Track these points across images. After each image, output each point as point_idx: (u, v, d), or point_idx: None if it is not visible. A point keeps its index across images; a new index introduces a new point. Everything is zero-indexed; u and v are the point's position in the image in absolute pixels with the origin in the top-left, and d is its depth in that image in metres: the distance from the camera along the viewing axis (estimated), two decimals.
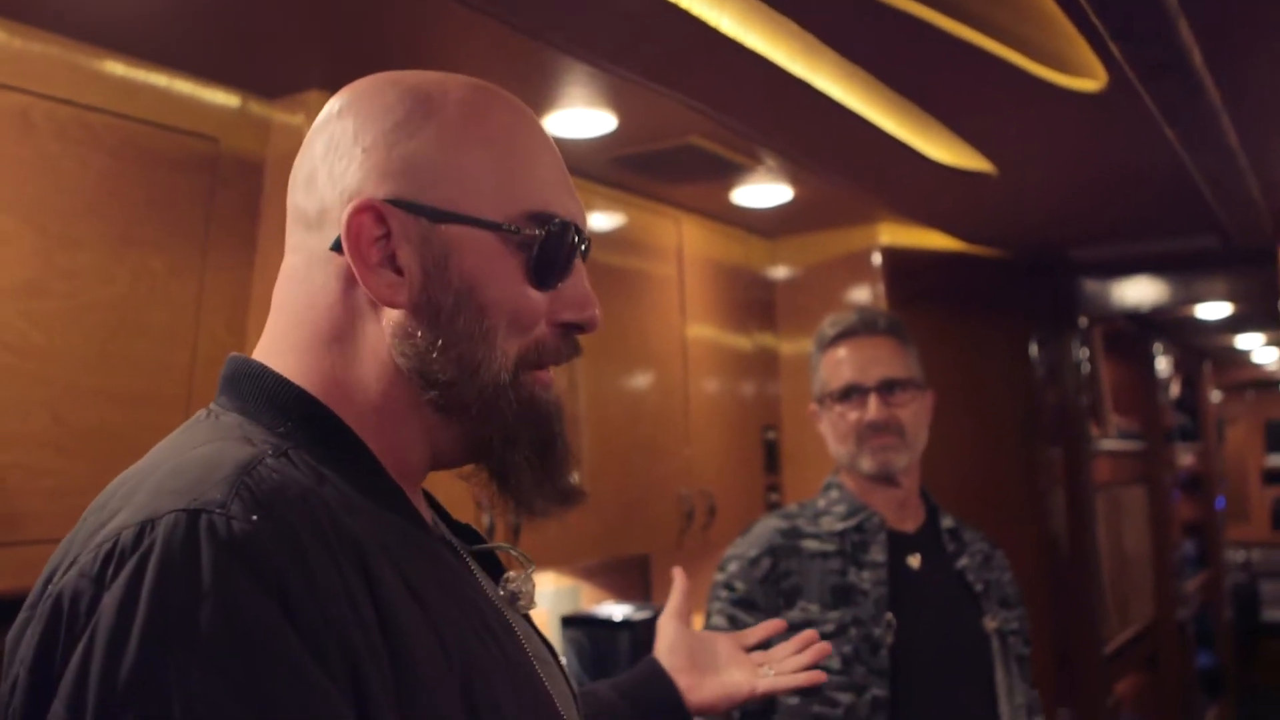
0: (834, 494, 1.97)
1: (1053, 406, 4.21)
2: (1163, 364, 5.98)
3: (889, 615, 1.83)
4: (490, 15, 1.82)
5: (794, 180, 2.95)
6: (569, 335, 0.90)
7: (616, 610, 3.01)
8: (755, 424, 3.41)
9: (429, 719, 0.73)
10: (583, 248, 0.90)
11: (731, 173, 2.83)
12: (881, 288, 3.42)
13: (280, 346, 0.86)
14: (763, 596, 1.86)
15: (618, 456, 2.78)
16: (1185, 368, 7.04)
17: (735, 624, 1.84)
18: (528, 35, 1.92)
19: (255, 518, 0.69)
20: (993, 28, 2.11)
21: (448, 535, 0.92)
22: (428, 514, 0.93)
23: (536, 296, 0.86)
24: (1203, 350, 7.30)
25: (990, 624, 1.90)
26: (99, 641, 0.65)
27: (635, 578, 3.48)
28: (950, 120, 2.60)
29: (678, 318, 3.09)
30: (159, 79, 1.93)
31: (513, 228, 0.84)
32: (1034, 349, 4.12)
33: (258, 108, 2.08)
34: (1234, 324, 5.91)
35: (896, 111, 2.53)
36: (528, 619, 0.99)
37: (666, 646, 1.29)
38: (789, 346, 3.54)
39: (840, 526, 1.91)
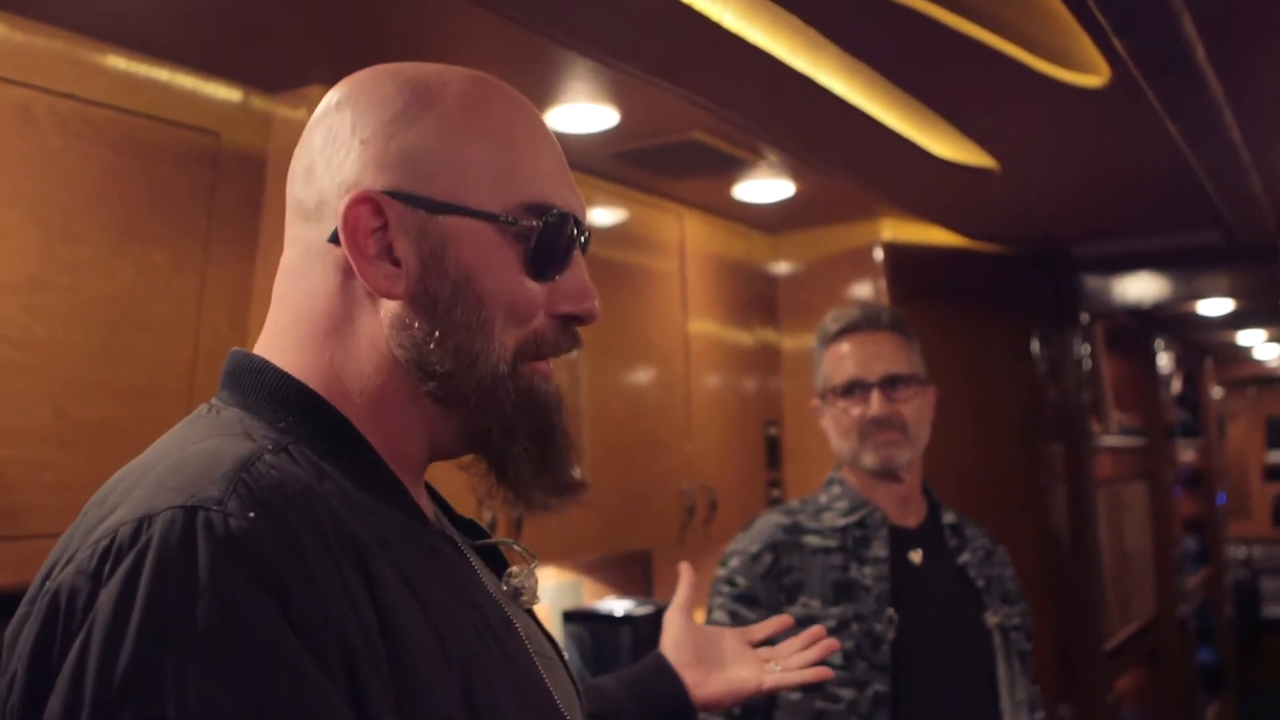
0: (836, 489, 1.97)
1: (1054, 402, 4.21)
2: (1164, 360, 5.98)
3: (891, 611, 1.83)
4: (492, 10, 1.82)
5: (796, 176, 2.95)
6: (568, 327, 0.89)
7: (618, 605, 3.01)
8: (757, 419, 3.41)
9: (428, 716, 0.73)
10: (582, 239, 0.90)
11: (734, 168, 2.83)
12: (883, 283, 3.41)
13: (281, 341, 0.86)
14: (764, 592, 1.86)
15: (619, 451, 2.78)
16: (1186, 364, 7.04)
17: (737, 619, 1.84)
18: (530, 30, 1.92)
19: (253, 515, 0.69)
20: (996, 23, 2.11)
21: (450, 530, 0.92)
22: (430, 509, 0.92)
23: (534, 288, 0.86)
24: (1204, 346, 7.30)
25: (992, 619, 1.90)
26: (95, 638, 0.65)
27: (637, 573, 3.48)
28: (953, 116, 2.60)
29: (680, 313, 3.09)
30: (161, 73, 1.93)
31: (510, 219, 0.84)
32: (1036, 345, 4.12)
33: (260, 102, 2.08)
34: (1235, 320, 5.90)
35: (899, 107, 2.52)
36: (531, 614, 0.99)
37: (672, 641, 1.29)
38: (791, 342, 3.54)
39: (842, 522, 1.91)
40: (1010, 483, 3.92)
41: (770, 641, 1.34)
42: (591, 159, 2.69)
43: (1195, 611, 6.28)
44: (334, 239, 0.83)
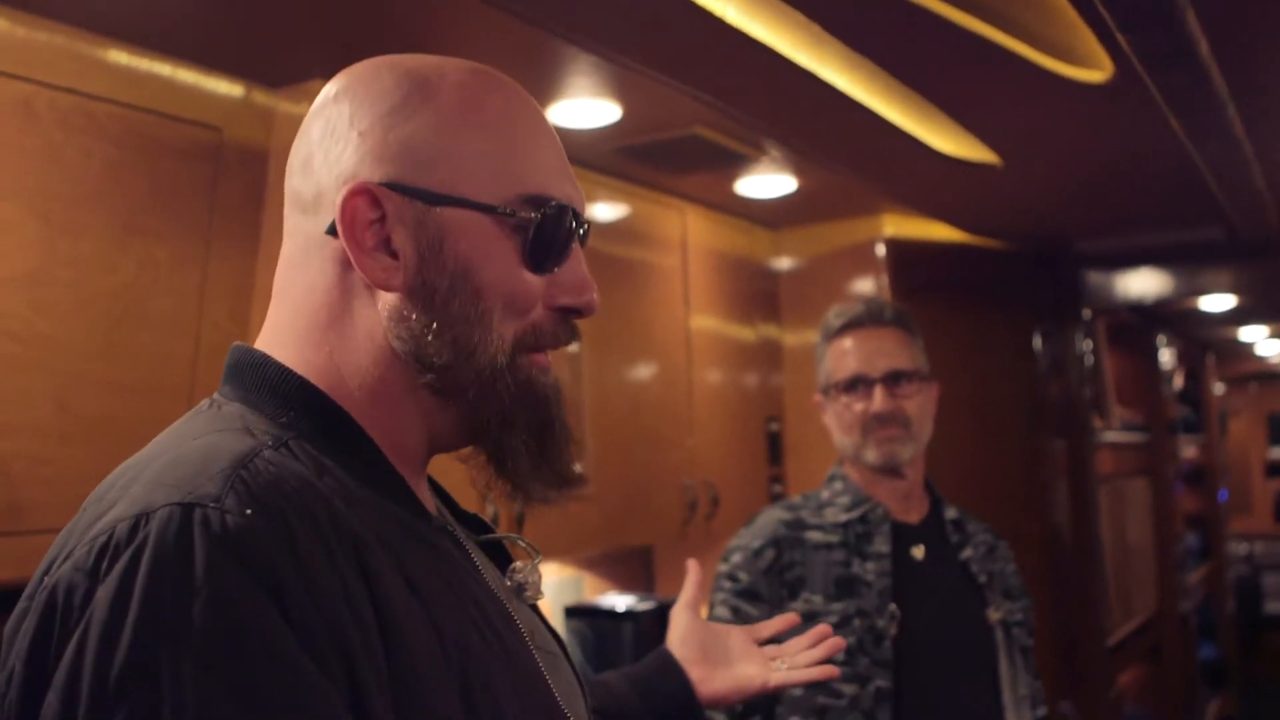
0: (838, 485, 1.97)
1: (1056, 398, 4.21)
2: (1166, 356, 5.98)
3: (893, 606, 1.83)
4: (495, 4, 1.82)
5: (798, 171, 2.95)
6: (566, 319, 0.89)
7: (620, 601, 3.01)
8: (759, 415, 3.41)
9: (426, 713, 0.73)
10: (580, 232, 0.89)
11: (736, 163, 2.82)
12: (885, 279, 3.41)
13: (282, 335, 0.86)
14: (766, 587, 1.86)
15: (621, 447, 2.78)
16: (1188, 360, 7.03)
17: (739, 615, 1.84)
18: (532, 24, 1.92)
19: (249, 512, 0.69)
20: (998, 18, 2.10)
21: (451, 525, 0.91)
22: (432, 503, 0.92)
23: (532, 280, 0.86)
24: (1206, 342, 7.29)
25: (994, 615, 1.90)
26: (92, 636, 0.65)
27: (638, 568, 3.48)
28: (955, 112, 2.59)
29: (681, 308, 3.09)
30: (162, 68, 1.92)
31: (508, 210, 0.84)
32: (1037, 341, 4.11)
33: (261, 97, 2.08)
34: (1238, 316, 5.89)
35: (901, 102, 2.52)
36: (535, 610, 0.98)
37: (679, 638, 1.29)
38: (792, 338, 3.54)
39: (844, 518, 1.91)
40: (1012, 478, 3.92)
41: (777, 639, 1.33)
42: (593, 154, 2.68)
43: (1197, 608, 6.28)
44: (332, 231, 0.83)
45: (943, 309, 3.57)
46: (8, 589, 0.74)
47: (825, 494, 1.97)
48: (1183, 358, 6.76)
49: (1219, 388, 8.21)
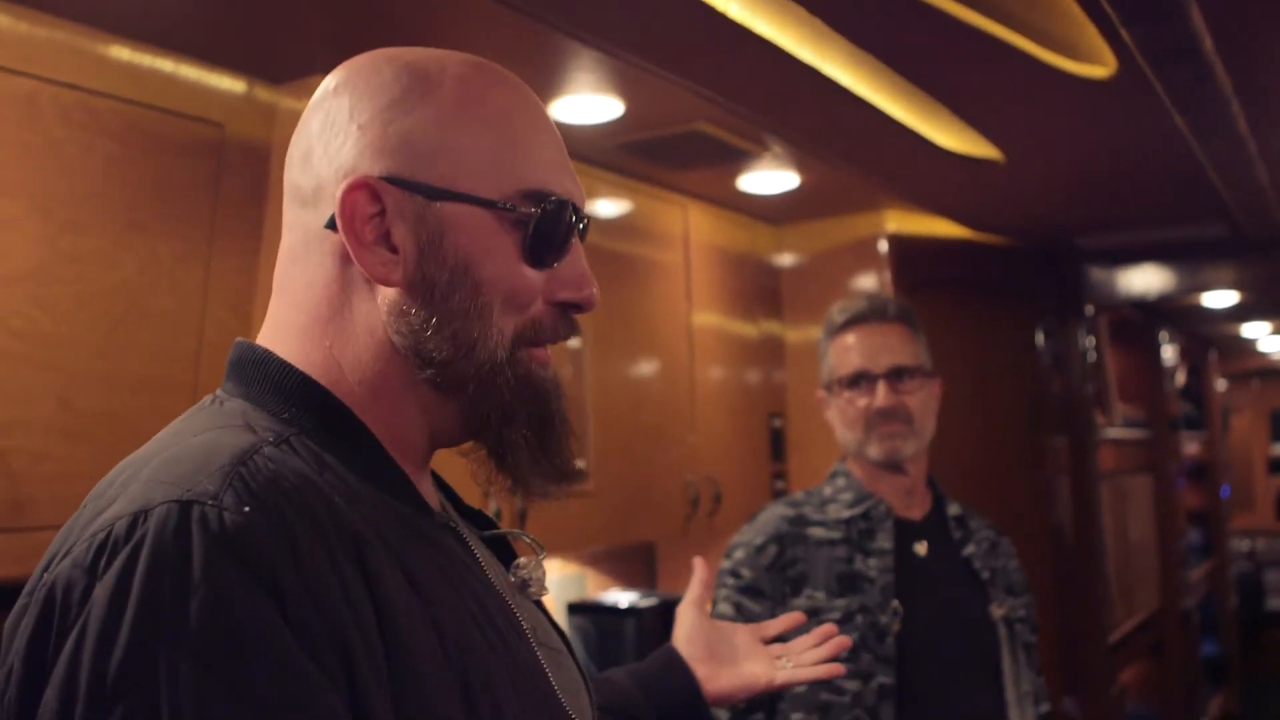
0: (841, 481, 1.97)
1: (1058, 395, 4.21)
2: (1168, 352, 5.97)
3: (895, 603, 1.83)
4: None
5: (800, 167, 2.94)
6: (566, 314, 0.89)
7: (622, 597, 3.02)
8: (761, 411, 3.41)
9: (425, 712, 0.73)
10: (580, 226, 0.89)
11: (738, 159, 2.82)
12: (888, 275, 3.41)
13: (283, 330, 0.86)
14: (769, 584, 1.86)
15: (623, 443, 2.78)
16: (1190, 356, 7.03)
17: (741, 611, 1.84)
18: (535, 20, 1.91)
19: (247, 509, 0.69)
20: (1001, 14, 2.10)
21: (454, 521, 0.91)
22: (435, 499, 0.92)
23: (532, 275, 0.86)
24: (1208, 338, 7.29)
25: (997, 611, 1.90)
26: (90, 633, 0.65)
27: (641, 565, 3.48)
28: (958, 107, 2.59)
29: (683, 305, 3.08)
30: (165, 64, 1.92)
31: (508, 205, 0.84)
32: (1040, 337, 4.11)
33: (264, 93, 2.08)
34: (1240, 312, 5.89)
35: (904, 98, 2.52)
36: (540, 605, 0.98)
37: (684, 635, 1.29)
38: (795, 334, 3.54)
39: (847, 514, 1.91)
40: (1014, 475, 3.92)
41: (783, 638, 1.33)
42: (596, 150, 2.68)
43: (1199, 604, 6.28)
44: (331, 225, 0.83)
45: (945, 305, 3.57)
46: (10, 586, 0.73)
47: (828, 490, 1.97)
48: (1185, 354, 6.76)
49: (1221, 384, 8.21)
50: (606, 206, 2.84)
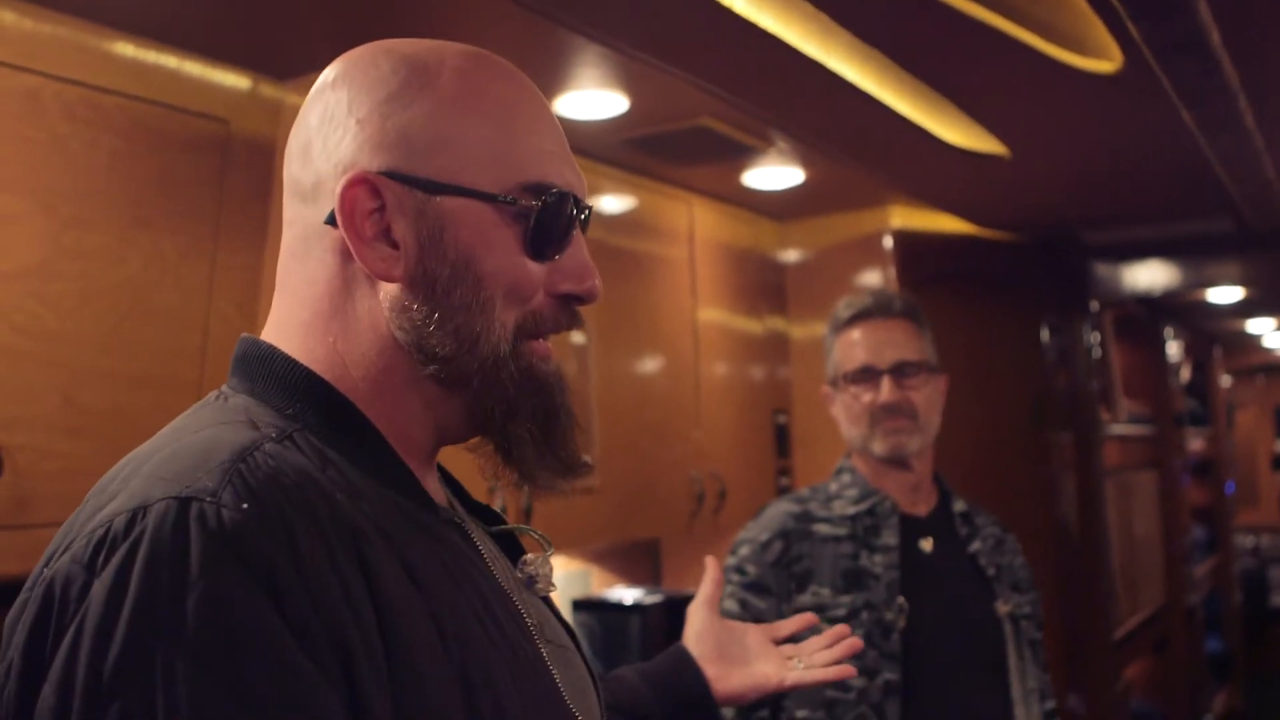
0: (846, 477, 1.96)
1: (1063, 390, 4.20)
2: (1173, 348, 5.96)
3: (901, 599, 1.83)
4: None
5: (805, 162, 2.94)
6: (568, 306, 0.88)
7: (627, 594, 3.02)
8: (766, 407, 3.40)
9: (424, 708, 0.72)
10: (582, 218, 0.88)
11: (743, 155, 2.81)
12: (893, 271, 3.40)
13: (287, 327, 0.86)
14: (774, 580, 1.86)
15: (628, 440, 2.78)
16: (1195, 352, 7.02)
17: (747, 608, 1.84)
18: (540, 15, 1.91)
19: (246, 506, 0.68)
20: (1007, 8, 2.09)
21: (460, 517, 0.91)
22: (441, 495, 0.92)
23: (534, 267, 0.85)
24: (1213, 335, 7.28)
25: (1003, 608, 1.90)
26: (87, 630, 0.65)
27: (645, 561, 3.48)
28: (963, 102, 2.58)
29: (688, 301, 3.08)
30: (170, 60, 1.92)
31: (509, 199, 0.83)
32: (1045, 333, 4.10)
33: (269, 89, 2.07)
34: (1245, 308, 5.88)
35: (909, 93, 2.51)
36: (548, 602, 0.98)
37: (695, 634, 1.28)
38: (800, 330, 3.53)
39: (852, 510, 1.91)
40: (1019, 471, 3.91)
41: (794, 638, 1.33)
42: (601, 146, 2.67)
43: (1203, 600, 6.28)
44: (331, 220, 0.82)
45: (950, 301, 3.56)
46: (13, 583, 0.73)
47: (833, 486, 1.97)
48: (1190, 350, 6.75)
49: (1226, 380, 8.20)
50: (611, 202, 2.83)
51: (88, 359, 1.76)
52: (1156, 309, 5.59)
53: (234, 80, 2.02)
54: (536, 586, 0.95)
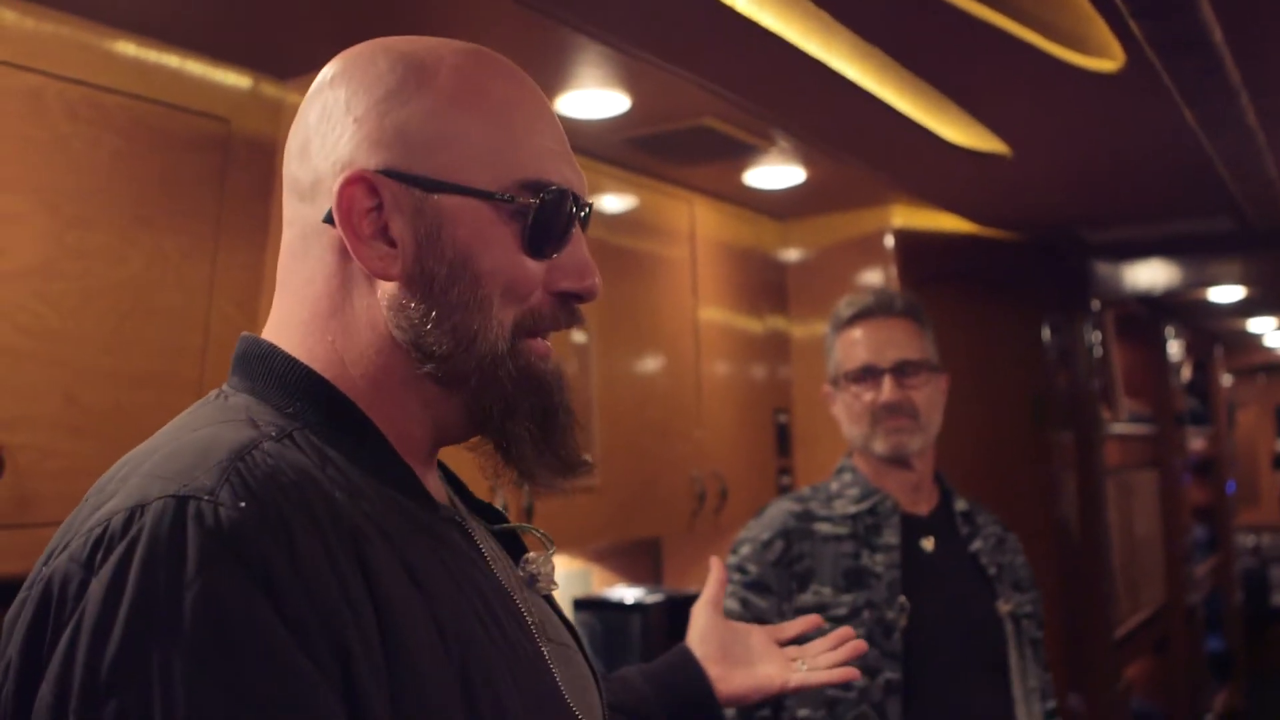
0: (847, 476, 1.96)
1: (1064, 390, 4.20)
2: (1174, 347, 5.96)
3: (902, 598, 1.83)
4: None
5: (807, 162, 2.94)
6: (568, 304, 0.88)
7: (628, 593, 3.01)
8: (767, 407, 3.40)
9: (423, 708, 0.72)
10: (581, 216, 0.88)
11: (744, 154, 2.81)
12: (894, 270, 3.40)
13: (287, 326, 0.86)
14: (775, 580, 1.86)
15: (629, 439, 2.78)
16: (1196, 351, 7.02)
17: (748, 607, 1.84)
18: (541, 14, 1.91)
19: (243, 505, 0.68)
20: (1009, 7, 2.09)
21: (461, 515, 0.90)
22: (442, 493, 0.92)
23: (532, 265, 0.85)
24: (1214, 334, 7.27)
25: (1004, 607, 1.90)
26: (85, 628, 0.65)
27: (646, 561, 3.48)
28: (965, 101, 2.58)
29: (690, 300, 3.08)
30: (171, 59, 1.92)
31: (506, 196, 0.83)
32: (1046, 332, 4.10)
33: (270, 88, 2.07)
34: (1246, 307, 5.88)
35: (911, 92, 2.51)
36: (550, 600, 0.98)
37: (698, 635, 1.28)
38: (801, 329, 3.53)
39: (853, 509, 1.91)
40: (1019, 470, 3.91)
41: (798, 640, 1.33)
42: (602, 145, 2.67)
43: (1204, 599, 6.28)
44: (329, 219, 0.82)
45: (951, 300, 3.56)
46: (15, 582, 0.73)
47: (834, 486, 1.97)
48: (1191, 349, 6.75)
49: (1227, 379, 8.20)
50: (612, 202, 2.83)
51: (89, 358, 1.76)
52: (1157, 308, 5.59)
53: (235, 79, 2.02)
54: (538, 585, 0.95)
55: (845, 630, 1.31)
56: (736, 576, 1.88)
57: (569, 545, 2.90)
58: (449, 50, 0.86)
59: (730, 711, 1.80)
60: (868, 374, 1.92)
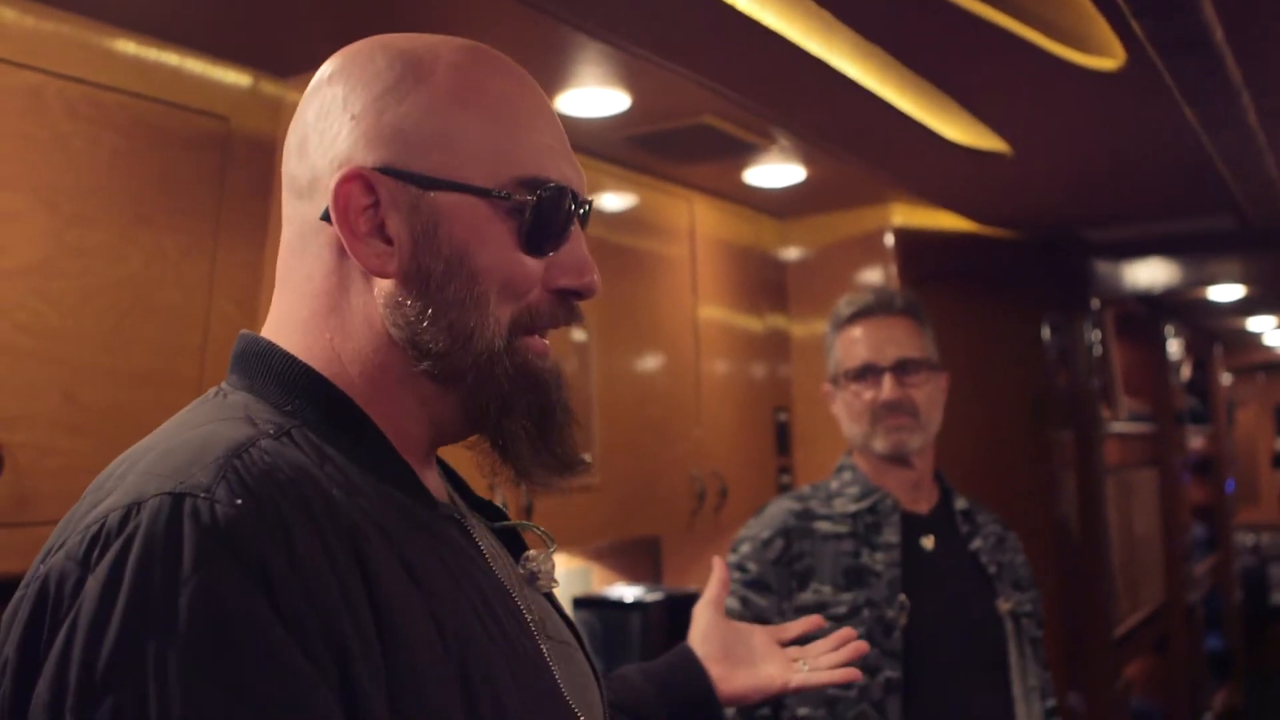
0: (847, 475, 1.96)
1: (1064, 388, 4.20)
2: (1174, 346, 5.96)
3: (902, 597, 1.83)
4: None
5: (807, 160, 2.93)
6: (566, 301, 0.88)
7: (627, 592, 3.01)
8: (767, 405, 3.40)
9: (422, 706, 0.72)
10: (580, 213, 0.88)
11: (744, 152, 2.81)
12: (894, 269, 3.40)
13: (286, 323, 0.86)
14: (775, 578, 1.86)
15: (628, 438, 2.78)
16: (1196, 350, 7.02)
17: (748, 606, 1.84)
18: (541, 12, 1.91)
19: (240, 502, 0.68)
20: (1010, 5, 2.09)
21: (460, 513, 0.90)
22: (442, 490, 0.91)
23: (530, 263, 0.85)
24: (1214, 332, 7.27)
25: (1004, 606, 1.90)
26: (81, 625, 0.64)
27: (646, 559, 3.48)
28: (965, 99, 2.58)
29: (689, 298, 3.08)
30: (171, 58, 1.92)
31: (503, 193, 0.83)
32: (1046, 331, 4.10)
33: (270, 87, 2.07)
34: (1246, 306, 5.88)
35: (912, 90, 2.51)
36: (551, 598, 0.98)
37: (700, 635, 1.28)
38: (800, 328, 3.53)
39: (853, 508, 1.90)
40: (1019, 469, 3.91)
41: (800, 640, 1.33)
42: (602, 143, 2.67)
43: (1204, 598, 6.28)
44: (326, 217, 0.82)
45: (951, 299, 3.56)
46: (14, 580, 0.73)
47: (834, 484, 1.97)
48: (1190, 348, 6.75)
49: (1226, 378, 8.20)
50: (612, 200, 2.83)
51: (89, 356, 1.76)
52: (1157, 307, 5.59)
53: (235, 78, 2.02)
54: (538, 582, 0.95)
55: (847, 631, 1.31)
56: (736, 575, 1.88)
57: (568, 544, 2.90)
58: (447, 47, 0.86)
59: (731, 711, 1.80)
60: (868, 372, 1.91)
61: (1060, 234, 4.09)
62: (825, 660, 1.27)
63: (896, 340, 1.92)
